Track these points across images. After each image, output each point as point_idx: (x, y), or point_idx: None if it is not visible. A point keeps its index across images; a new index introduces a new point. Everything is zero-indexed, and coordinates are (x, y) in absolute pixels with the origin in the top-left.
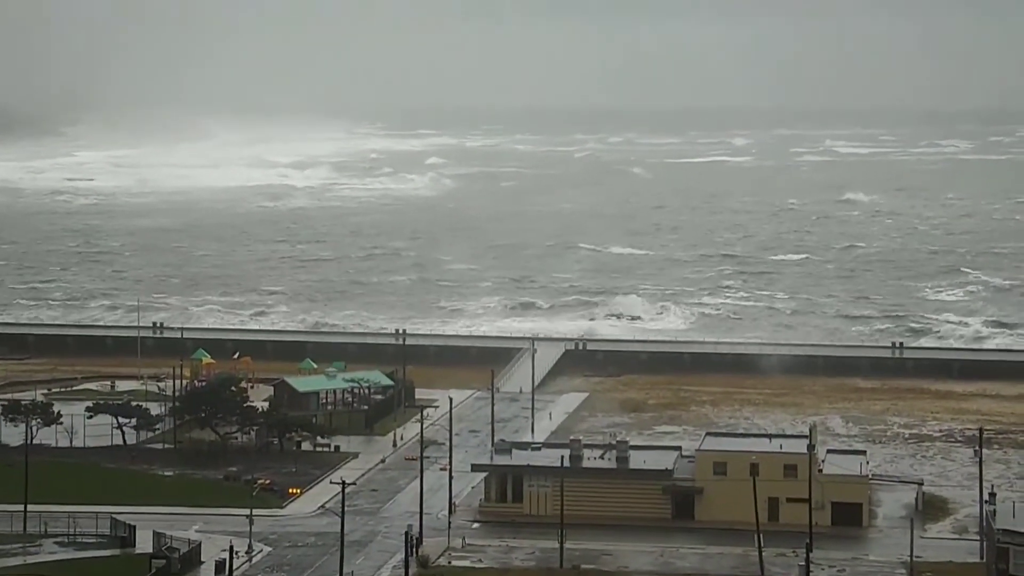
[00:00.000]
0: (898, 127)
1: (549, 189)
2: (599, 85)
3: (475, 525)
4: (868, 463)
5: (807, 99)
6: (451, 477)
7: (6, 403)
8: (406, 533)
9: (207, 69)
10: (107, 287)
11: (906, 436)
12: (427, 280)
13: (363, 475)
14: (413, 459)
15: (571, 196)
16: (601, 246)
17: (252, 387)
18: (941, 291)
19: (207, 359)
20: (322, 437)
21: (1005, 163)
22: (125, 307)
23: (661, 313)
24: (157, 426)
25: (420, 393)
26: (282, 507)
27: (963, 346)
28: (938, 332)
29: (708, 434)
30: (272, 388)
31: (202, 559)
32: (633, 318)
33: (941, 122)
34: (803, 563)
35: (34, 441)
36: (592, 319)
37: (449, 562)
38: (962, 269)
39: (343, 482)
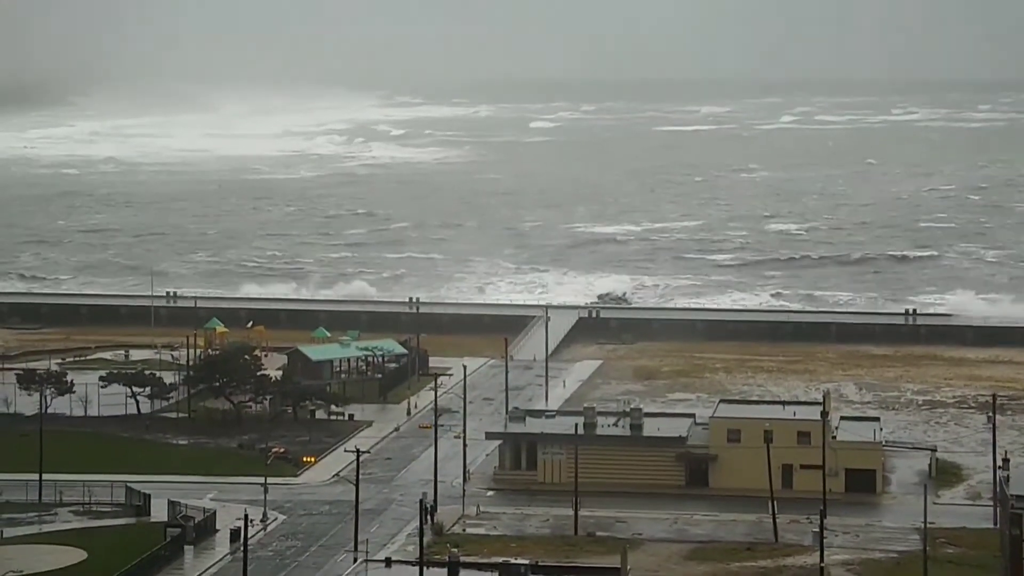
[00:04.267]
0: (868, 96)
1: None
2: (580, 56)
3: (489, 493)
4: (882, 430)
5: (778, 71)
6: (465, 445)
7: (20, 372)
8: (420, 501)
9: (217, 41)
10: (109, 256)
11: (919, 403)
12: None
13: (377, 443)
14: (427, 427)
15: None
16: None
17: (266, 356)
18: None
19: (221, 328)
20: (336, 406)
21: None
22: (136, 277)
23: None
24: (171, 395)
25: (434, 361)
26: (296, 475)
27: (976, 312)
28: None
29: (722, 401)
30: (286, 357)
31: (217, 527)
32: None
33: (913, 91)
34: (817, 530)
35: (48, 410)
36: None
37: (464, 530)
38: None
39: (357, 450)
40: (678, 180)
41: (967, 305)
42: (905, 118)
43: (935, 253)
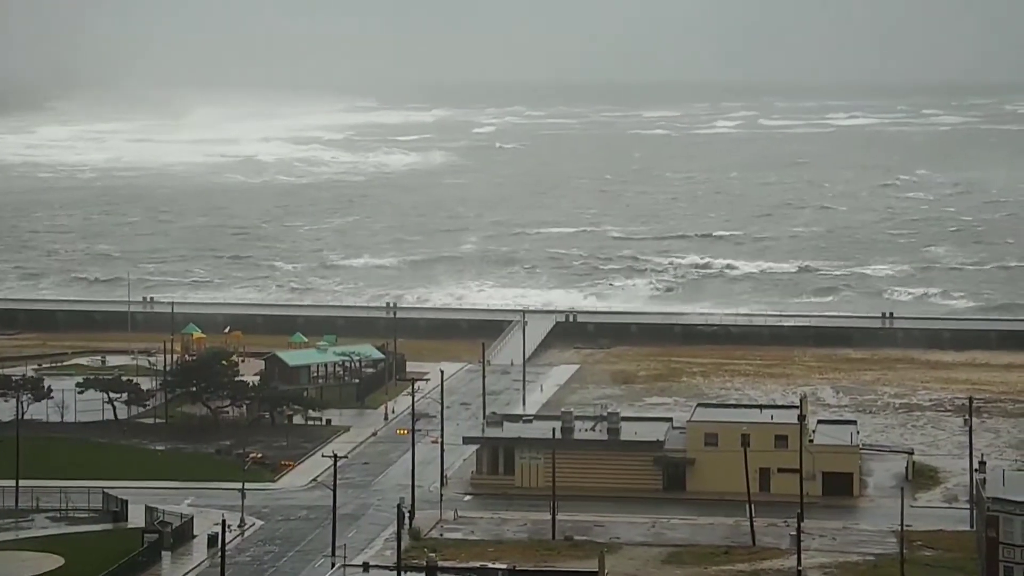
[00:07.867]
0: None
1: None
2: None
3: (467, 497)
4: (858, 433)
5: (755, 73)
6: (443, 450)
7: None
8: (398, 506)
9: (197, 46)
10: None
11: (896, 406)
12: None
13: (355, 448)
14: (404, 432)
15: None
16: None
17: (243, 361)
18: None
19: (198, 333)
20: (313, 410)
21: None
22: (111, 281)
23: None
24: (148, 401)
25: (411, 366)
26: (274, 481)
27: (953, 316)
28: None
29: (699, 405)
30: (263, 362)
31: (194, 533)
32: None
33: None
34: (794, 533)
35: (25, 416)
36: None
37: (441, 534)
38: None
39: (335, 455)
40: (634, 188)
41: (941, 309)
42: (848, 123)
43: (900, 262)
